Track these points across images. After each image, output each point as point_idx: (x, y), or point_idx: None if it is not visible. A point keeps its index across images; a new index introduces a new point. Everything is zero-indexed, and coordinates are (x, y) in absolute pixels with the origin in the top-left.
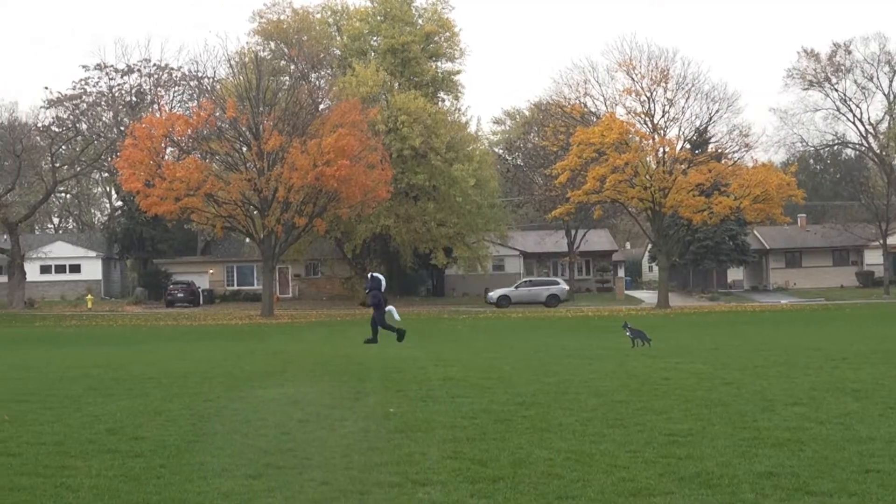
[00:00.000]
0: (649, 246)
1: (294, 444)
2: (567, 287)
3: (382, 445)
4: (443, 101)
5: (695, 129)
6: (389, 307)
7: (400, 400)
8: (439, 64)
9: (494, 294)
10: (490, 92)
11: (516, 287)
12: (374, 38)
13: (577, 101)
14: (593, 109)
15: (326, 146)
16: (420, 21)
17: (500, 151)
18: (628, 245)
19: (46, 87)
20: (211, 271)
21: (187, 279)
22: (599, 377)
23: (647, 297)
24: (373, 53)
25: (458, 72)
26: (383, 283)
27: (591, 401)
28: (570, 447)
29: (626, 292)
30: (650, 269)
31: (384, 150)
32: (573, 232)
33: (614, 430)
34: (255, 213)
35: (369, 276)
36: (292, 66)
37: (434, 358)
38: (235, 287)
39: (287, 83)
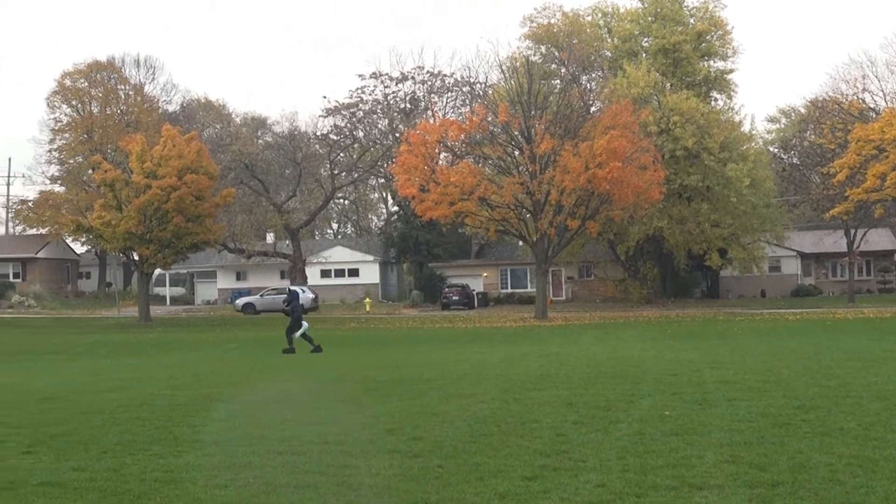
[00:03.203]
0: None
1: (569, 446)
2: (313, 296)
3: (658, 448)
4: (715, 100)
5: None
6: (304, 322)
7: (675, 402)
8: (711, 63)
9: (240, 301)
10: (764, 90)
11: (261, 296)
12: (645, 39)
13: (855, 97)
14: (872, 105)
15: (598, 148)
16: (691, 20)
17: (775, 150)
18: None
19: (325, 97)
20: (485, 274)
21: (462, 282)
22: (882, 380)
23: None
24: (643, 54)
25: (731, 70)
26: (300, 296)
27: (873, 405)
28: (853, 452)
29: None
30: None
31: (656, 151)
32: (852, 231)
33: None
34: (527, 216)
35: (287, 289)
36: (563, 69)
37: (709, 360)
38: (509, 290)
39: (558, 86)
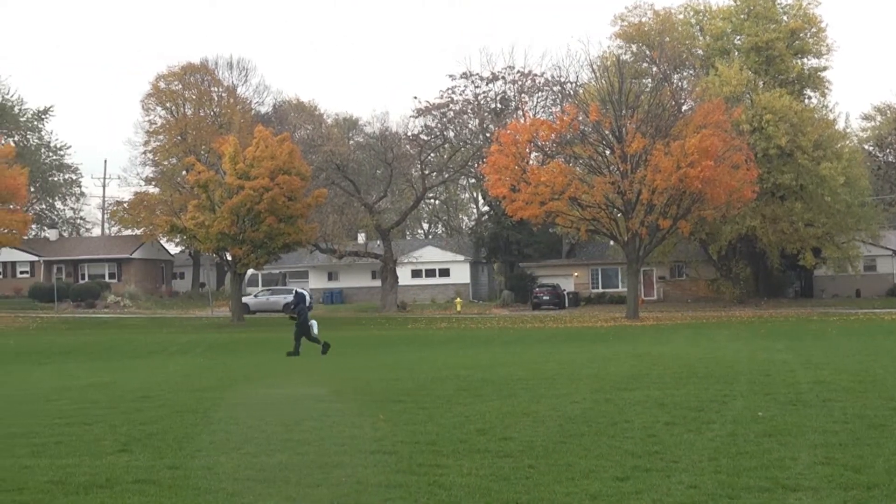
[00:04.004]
0: None
1: (661, 447)
2: (307, 295)
3: (751, 449)
4: (809, 98)
5: None
6: (312, 321)
7: (768, 403)
8: (805, 61)
9: None
10: (858, 87)
11: (255, 296)
12: (738, 37)
13: None
14: None
15: (690, 147)
16: (785, 18)
17: (870, 148)
18: None
19: (415, 97)
20: (576, 274)
21: (553, 282)
22: None
23: None
24: (736, 52)
25: (825, 68)
26: (307, 298)
27: None
28: None
29: None
30: None
31: (749, 149)
32: None
33: None
34: (618, 215)
35: (294, 291)
36: (654, 68)
37: (803, 360)
38: (600, 289)
39: (649, 85)
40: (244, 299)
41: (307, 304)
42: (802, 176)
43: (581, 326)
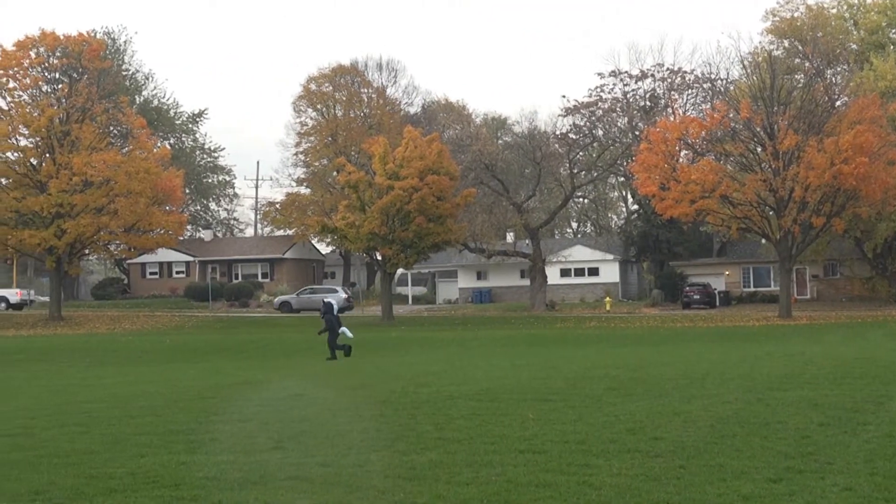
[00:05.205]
0: None
1: (815, 448)
2: (345, 295)
3: None
4: None
5: None
6: (343, 328)
7: None
8: None
9: (277, 300)
10: None
11: (297, 294)
12: (893, 31)
13: None
14: None
15: (844, 144)
16: None
17: None
18: None
19: (564, 96)
20: (727, 273)
21: (703, 281)
22: None
23: None
24: (891, 46)
25: None
26: (335, 307)
27: None
28: None
29: None
30: None
31: None
32: None
33: None
34: (770, 213)
35: (323, 301)
36: (807, 64)
37: None
38: (752, 288)
39: (801, 81)
40: (286, 298)
41: (334, 312)
42: None
43: (732, 326)
